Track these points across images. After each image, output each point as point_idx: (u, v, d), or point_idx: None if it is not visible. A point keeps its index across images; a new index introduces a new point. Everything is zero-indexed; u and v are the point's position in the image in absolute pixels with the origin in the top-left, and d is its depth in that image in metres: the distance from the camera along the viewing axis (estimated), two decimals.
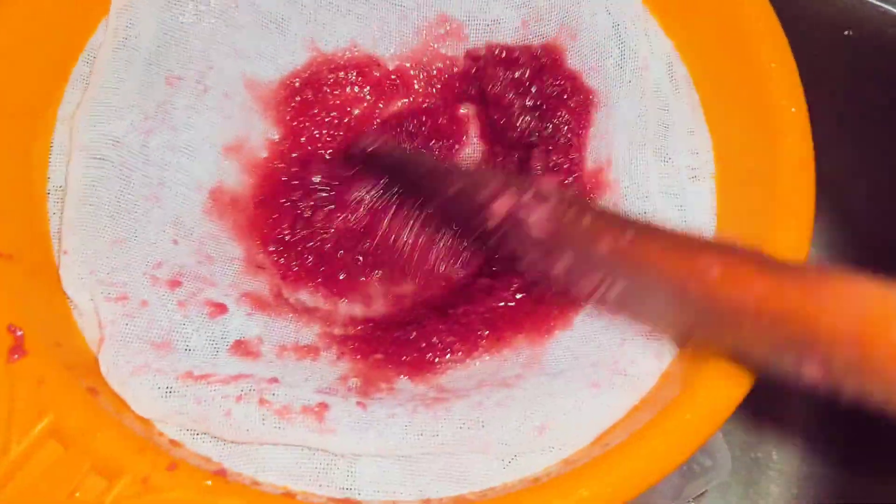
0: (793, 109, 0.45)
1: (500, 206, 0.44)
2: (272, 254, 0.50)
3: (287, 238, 0.50)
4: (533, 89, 0.53)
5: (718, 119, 0.49)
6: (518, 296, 0.48)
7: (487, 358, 0.46)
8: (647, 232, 0.40)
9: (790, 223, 0.43)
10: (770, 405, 0.68)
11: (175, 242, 0.46)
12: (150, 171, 0.47)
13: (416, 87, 0.55)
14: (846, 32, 0.58)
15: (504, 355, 0.46)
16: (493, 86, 0.53)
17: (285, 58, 0.53)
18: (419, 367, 0.46)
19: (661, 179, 0.49)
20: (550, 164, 0.51)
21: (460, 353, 0.47)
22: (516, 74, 0.53)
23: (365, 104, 0.55)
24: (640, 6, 0.52)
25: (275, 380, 0.42)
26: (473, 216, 0.46)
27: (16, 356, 0.37)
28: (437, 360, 0.46)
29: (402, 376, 0.46)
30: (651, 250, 0.39)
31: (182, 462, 0.37)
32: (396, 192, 0.53)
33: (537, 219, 0.43)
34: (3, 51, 0.45)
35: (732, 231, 0.46)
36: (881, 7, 0.56)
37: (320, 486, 0.41)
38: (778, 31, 0.47)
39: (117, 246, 0.44)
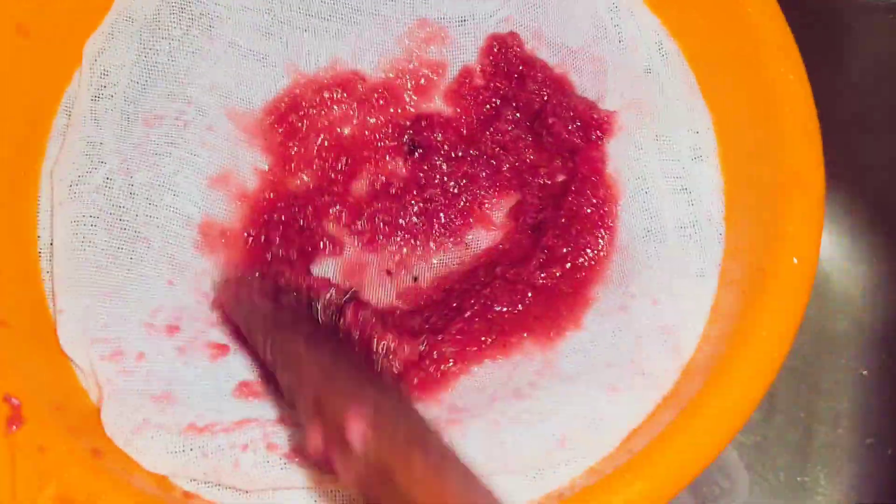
0: (791, 77, 0.42)
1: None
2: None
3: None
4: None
5: (716, 94, 0.47)
6: (529, 295, 0.46)
7: (494, 365, 0.45)
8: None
9: (801, 194, 0.41)
10: (819, 428, 0.64)
11: (171, 283, 0.45)
12: (138, 211, 0.46)
13: (406, 97, 0.53)
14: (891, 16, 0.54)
15: (514, 361, 0.45)
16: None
17: (267, 84, 0.51)
18: (427, 386, 0.45)
19: (662, 164, 0.47)
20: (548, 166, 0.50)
21: (466, 363, 0.45)
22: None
23: (355, 121, 0.53)
24: None
25: (280, 420, 0.41)
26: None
27: (14, 426, 0.36)
28: (441, 374, 0.45)
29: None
30: None
31: None
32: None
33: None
34: None
35: (742, 207, 0.44)
36: None
37: None
38: None
39: (110, 298, 0.43)
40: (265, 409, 0.42)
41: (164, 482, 0.40)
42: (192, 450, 0.39)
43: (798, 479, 0.63)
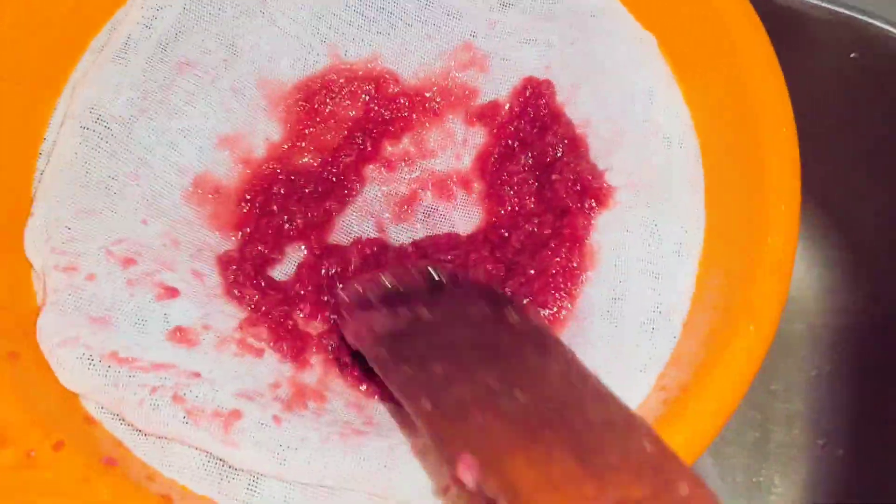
0: (783, 208, 0.42)
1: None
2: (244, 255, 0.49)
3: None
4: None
5: (719, 203, 0.47)
6: None
7: None
8: None
9: (751, 330, 0.40)
10: (775, 429, 0.66)
11: (144, 223, 0.46)
12: (135, 149, 0.47)
13: (428, 107, 0.54)
14: (852, 55, 0.56)
15: None
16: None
17: (304, 61, 0.52)
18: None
19: (643, 251, 0.46)
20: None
21: None
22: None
23: (376, 117, 0.54)
24: (668, 71, 0.50)
25: (197, 374, 0.41)
26: None
27: None
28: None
29: (337, 400, 0.45)
30: None
31: (70, 442, 0.37)
32: None
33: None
34: (27, 13, 0.46)
35: (700, 317, 0.44)
36: (888, 30, 0.56)
37: (219, 493, 0.40)
38: (789, 120, 0.44)
39: (82, 216, 0.45)
40: (190, 359, 0.42)
41: (73, 401, 0.41)
42: (106, 376, 0.40)
43: (754, 479, 0.65)
